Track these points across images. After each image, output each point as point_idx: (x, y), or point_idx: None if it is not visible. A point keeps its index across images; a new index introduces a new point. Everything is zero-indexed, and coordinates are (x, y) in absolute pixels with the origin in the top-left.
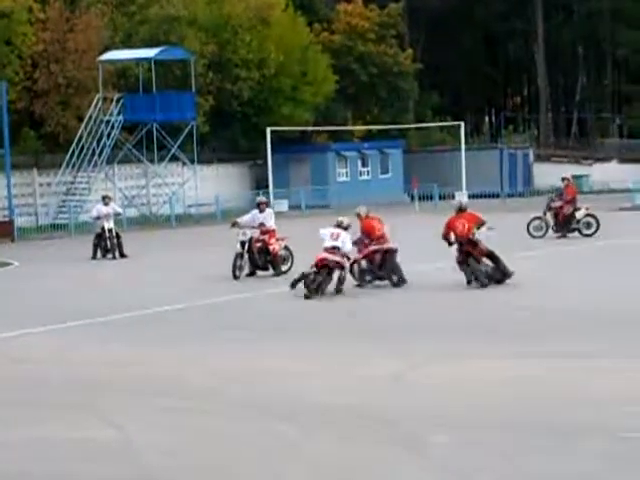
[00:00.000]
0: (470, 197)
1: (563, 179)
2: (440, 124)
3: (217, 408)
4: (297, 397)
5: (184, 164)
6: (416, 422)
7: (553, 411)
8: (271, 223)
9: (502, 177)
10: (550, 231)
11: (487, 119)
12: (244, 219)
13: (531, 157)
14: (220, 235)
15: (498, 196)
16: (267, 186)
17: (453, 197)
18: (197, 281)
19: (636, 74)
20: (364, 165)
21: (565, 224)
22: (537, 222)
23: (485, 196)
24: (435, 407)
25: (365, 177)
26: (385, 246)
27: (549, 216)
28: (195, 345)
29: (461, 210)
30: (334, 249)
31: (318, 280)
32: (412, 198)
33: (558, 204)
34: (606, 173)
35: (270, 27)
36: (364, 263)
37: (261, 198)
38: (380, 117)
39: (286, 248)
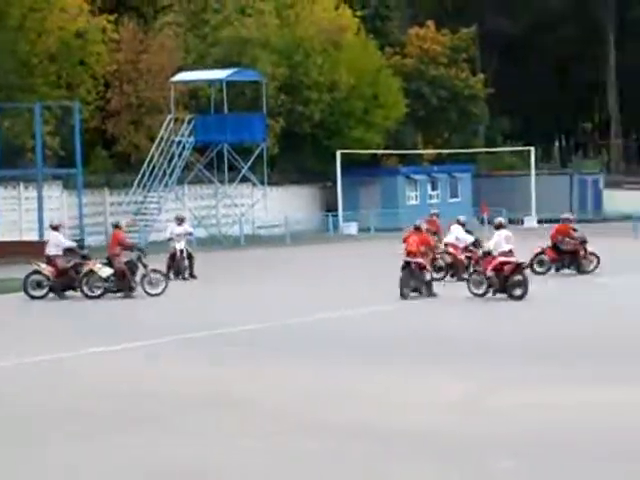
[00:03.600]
0: (539, 222)
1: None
2: (510, 149)
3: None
4: (368, 419)
5: (254, 185)
6: (487, 448)
7: (629, 440)
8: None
9: (572, 203)
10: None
11: (557, 144)
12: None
13: (601, 183)
14: (287, 256)
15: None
16: (337, 209)
17: (522, 222)
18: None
19: None
20: (433, 189)
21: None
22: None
23: (555, 221)
24: (508, 433)
25: (434, 200)
26: None
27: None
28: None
29: (417, 229)
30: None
31: None
32: (482, 222)
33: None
34: None
35: (342, 50)
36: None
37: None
38: (450, 141)
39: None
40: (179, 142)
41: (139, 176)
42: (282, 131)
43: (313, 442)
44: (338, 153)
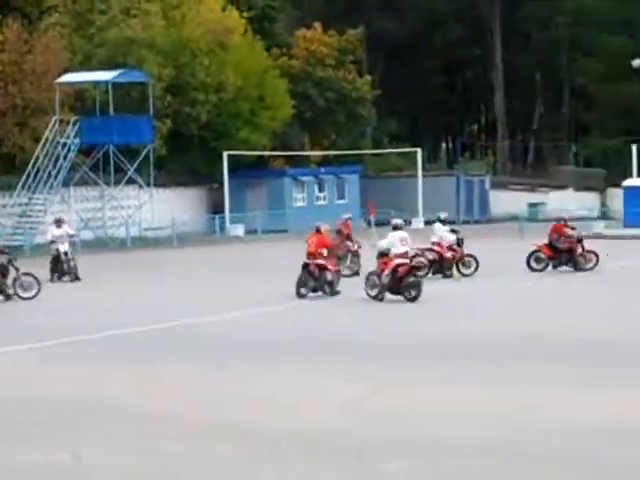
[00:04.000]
0: (427, 223)
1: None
2: (397, 150)
3: (178, 433)
4: (254, 421)
5: (141, 187)
6: (373, 450)
7: (516, 438)
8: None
9: (458, 204)
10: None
11: (444, 146)
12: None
13: (488, 184)
14: (174, 258)
15: (454, 223)
16: (224, 210)
17: (410, 223)
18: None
19: (592, 103)
20: (321, 190)
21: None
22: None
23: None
24: (397, 434)
25: (322, 202)
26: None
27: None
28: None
29: (317, 230)
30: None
31: None
32: (369, 224)
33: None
34: (562, 201)
35: (228, 51)
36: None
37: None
38: (337, 143)
39: None
40: (64, 144)
41: (24, 178)
42: (169, 132)
43: (195, 445)
44: (225, 154)
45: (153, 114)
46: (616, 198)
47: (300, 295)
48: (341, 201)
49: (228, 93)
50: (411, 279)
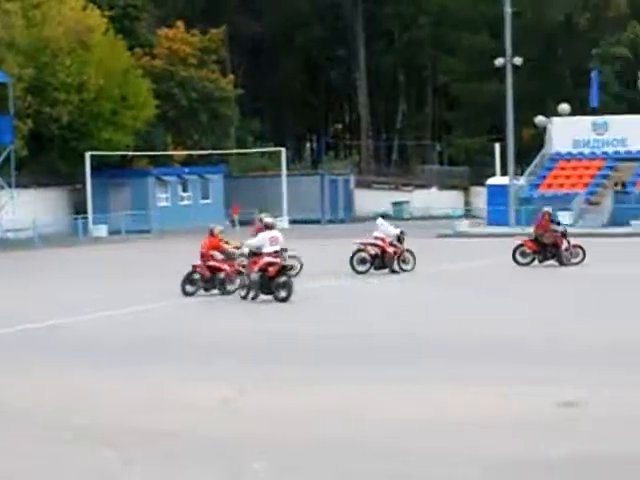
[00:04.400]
0: (291, 223)
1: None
2: (261, 150)
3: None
4: (118, 421)
5: (1, 188)
6: (241, 449)
7: (374, 435)
8: None
9: (323, 203)
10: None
11: (309, 145)
12: None
13: (352, 184)
14: (36, 260)
15: (319, 222)
16: (87, 211)
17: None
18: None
19: (456, 102)
20: (184, 190)
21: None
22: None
23: (306, 222)
24: (260, 434)
25: (186, 202)
26: None
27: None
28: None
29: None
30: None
31: None
32: (233, 224)
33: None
34: (426, 199)
35: (90, 51)
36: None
37: None
38: (201, 142)
39: None
40: None
41: None
42: (30, 133)
43: (50, 446)
44: (87, 155)
45: (14, 114)
46: (480, 196)
47: (186, 293)
48: (205, 201)
49: (90, 93)
50: (282, 279)
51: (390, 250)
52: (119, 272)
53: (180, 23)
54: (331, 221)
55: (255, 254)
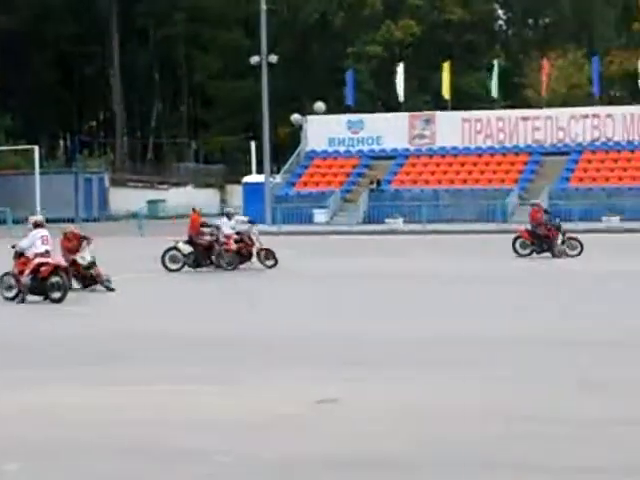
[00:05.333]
0: (47, 222)
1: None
2: (13, 148)
3: None
4: None
5: None
6: None
7: (147, 436)
8: None
9: (77, 202)
10: None
11: (62, 143)
12: None
13: (107, 182)
14: None
15: (74, 221)
16: None
17: (27, 221)
18: None
19: (211, 100)
20: None
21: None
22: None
23: (61, 220)
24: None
25: None
26: None
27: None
28: None
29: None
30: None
31: None
32: None
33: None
34: (182, 197)
35: None
36: None
37: None
38: None
39: None
40: None
41: None
42: None
43: None
44: None
45: None
46: (236, 194)
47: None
48: None
49: None
50: (55, 279)
51: (234, 247)
52: None
53: None
54: (85, 219)
55: (21, 255)
